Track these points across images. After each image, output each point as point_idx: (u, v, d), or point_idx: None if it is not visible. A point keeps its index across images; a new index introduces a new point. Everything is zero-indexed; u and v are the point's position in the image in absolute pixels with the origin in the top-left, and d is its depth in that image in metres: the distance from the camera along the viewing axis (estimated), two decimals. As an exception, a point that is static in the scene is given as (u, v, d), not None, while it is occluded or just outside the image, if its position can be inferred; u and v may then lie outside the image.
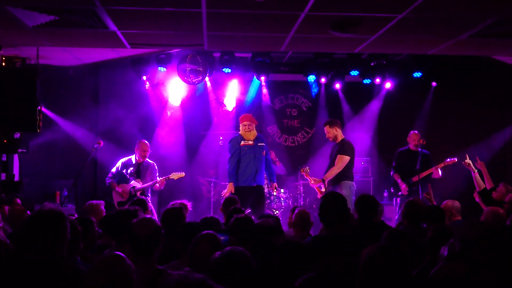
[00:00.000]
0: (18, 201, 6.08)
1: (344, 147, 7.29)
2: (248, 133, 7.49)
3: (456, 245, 3.01)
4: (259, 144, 7.52)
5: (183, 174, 7.96)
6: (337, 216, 3.91)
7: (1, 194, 6.53)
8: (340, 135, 7.48)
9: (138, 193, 7.70)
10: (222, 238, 3.85)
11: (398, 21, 5.72)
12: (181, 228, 4.01)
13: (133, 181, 7.81)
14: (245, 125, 7.54)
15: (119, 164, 7.91)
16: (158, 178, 7.90)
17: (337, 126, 7.49)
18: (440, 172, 7.80)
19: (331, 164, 7.37)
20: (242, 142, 7.46)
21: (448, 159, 7.80)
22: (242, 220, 4.28)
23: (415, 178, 7.78)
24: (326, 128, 7.53)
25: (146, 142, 7.99)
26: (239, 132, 7.58)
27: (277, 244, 3.31)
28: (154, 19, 5.75)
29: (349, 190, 7.16)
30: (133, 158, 7.91)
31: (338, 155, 7.23)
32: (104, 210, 5.59)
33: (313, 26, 5.93)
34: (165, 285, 1.98)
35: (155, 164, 8.04)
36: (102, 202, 5.67)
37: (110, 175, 7.91)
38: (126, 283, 2.62)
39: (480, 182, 6.69)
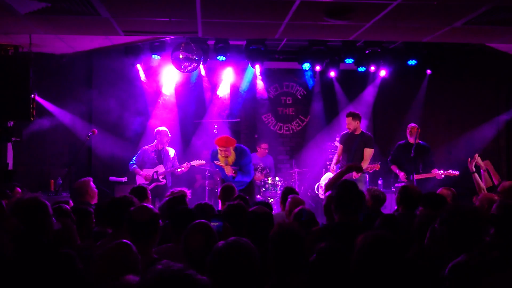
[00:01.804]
0: (19, 189, 6.09)
1: (370, 141, 7.90)
2: (224, 159, 7.20)
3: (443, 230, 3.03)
4: (233, 167, 7.26)
5: (203, 162, 8.60)
6: (352, 205, 3.91)
7: None
8: (359, 128, 7.95)
9: (160, 177, 8.30)
10: (216, 224, 3.86)
11: (393, 8, 5.70)
12: (176, 214, 4.01)
13: (157, 166, 8.32)
14: (220, 151, 7.21)
15: (140, 151, 8.44)
16: (178, 163, 8.48)
17: (359, 120, 7.95)
18: (443, 175, 7.95)
19: (355, 154, 7.81)
20: (216, 162, 7.33)
21: (451, 171, 7.91)
22: (236, 207, 4.30)
23: (417, 176, 7.95)
24: (349, 120, 7.94)
25: (165, 129, 8.42)
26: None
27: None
28: (148, 5, 5.70)
29: (365, 182, 7.84)
30: (153, 146, 8.39)
31: (366, 149, 7.80)
32: (94, 186, 5.72)
33: (308, 12, 5.90)
34: (146, 279, 1.95)
35: (170, 151, 8.47)
36: (90, 178, 5.76)
37: (132, 161, 8.38)
38: (132, 270, 2.62)
39: (488, 180, 6.67)
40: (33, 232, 3.17)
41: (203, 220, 3.32)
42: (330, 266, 2.58)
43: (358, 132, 7.93)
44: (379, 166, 7.85)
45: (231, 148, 7.20)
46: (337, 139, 8.95)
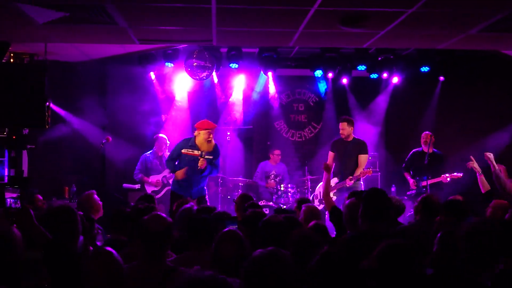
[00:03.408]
0: (40, 197, 6.12)
1: (365, 147, 7.80)
2: (208, 144, 6.92)
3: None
4: (207, 156, 6.90)
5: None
6: (382, 213, 3.88)
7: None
8: (352, 134, 7.84)
9: (170, 181, 8.32)
10: (231, 227, 3.90)
11: (408, 16, 5.69)
12: (192, 221, 4.00)
13: (163, 171, 8.61)
14: (209, 133, 6.93)
15: (142, 159, 8.69)
16: None
17: (353, 126, 7.87)
18: (448, 178, 8.00)
19: (348, 162, 7.72)
20: (185, 150, 6.96)
21: (455, 173, 8.00)
22: (256, 214, 4.31)
23: (423, 183, 8.02)
24: (344, 125, 7.82)
25: (164, 136, 8.75)
26: (195, 137, 7.01)
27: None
28: (164, 15, 5.74)
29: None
30: (153, 152, 8.71)
31: (362, 155, 7.70)
32: (98, 199, 5.62)
33: (323, 21, 5.91)
34: (177, 285, 1.97)
35: None
36: (94, 191, 5.69)
37: (136, 171, 8.66)
38: (115, 277, 2.63)
39: (485, 184, 6.64)
40: (62, 240, 3.19)
41: (232, 228, 3.33)
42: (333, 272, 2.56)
43: (350, 139, 7.82)
44: (371, 171, 7.67)
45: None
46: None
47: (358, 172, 7.56)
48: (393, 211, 4.35)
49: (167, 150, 8.72)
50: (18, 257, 2.71)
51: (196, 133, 7.05)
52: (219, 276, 1.95)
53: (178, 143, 7.22)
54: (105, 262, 2.65)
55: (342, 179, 7.67)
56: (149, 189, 8.56)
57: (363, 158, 7.69)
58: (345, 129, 7.78)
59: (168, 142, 8.74)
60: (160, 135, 8.79)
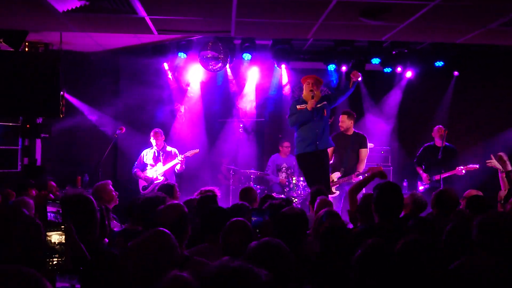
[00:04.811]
0: (53, 183, 6.12)
1: (365, 141, 7.81)
2: (310, 94, 6.95)
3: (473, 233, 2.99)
4: (318, 105, 7.01)
5: (197, 150, 8.45)
6: (394, 207, 3.88)
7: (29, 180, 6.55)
8: (352, 128, 7.85)
9: (160, 175, 8.25)
10: (256, 219, 3.92)
11: (430, 9, 5.64)
12: (210, 212, 3.99)
13: (157, 164, 8.32)
14: (308, 84, 7.04)
15: (141, 154, 8.42)
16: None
17: (353, 120, 7.88)
18: (464, 171, 8.00)
19: (350, 155, 7.69)
20: (299, 106, 7.07)
21: (471, 165, 8.00)
22: (278, 206, 4.32)
23: (436, 177, 7.97)
24: (344, 117, 7.84)
25: (157, 130, 8.42)
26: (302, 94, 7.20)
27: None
28: (184, 4, 5.71)
29: None
30: (152, 147, 8.40)
31: (363, 149, 7.73)
32: (113, 189, 5.59)
33: (343, 13, 5.86)
34: (206, 273, 1.96)
35: (173, 151, 8.42)
36: (109, 181, 5.66)
37: (134, 165, 8.43)
38: (169, 258, 2.63)
39: (506, 182, 6.54)
40: (83, 228, 3.16)
41: (240, 218, 3.34)
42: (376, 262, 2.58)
43: (350, 132, 7.82)
44: (381, 168, 7.58)
45: (319, 86, 7.16)
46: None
47: (360, 167, 7.60)
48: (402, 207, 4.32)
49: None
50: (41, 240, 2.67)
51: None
52: (248, 265, 1.96)
53: (291, 107, 7.25)
54: (161, 243, 2.64)
55: (344, 173, 7.65)
56: (141, 185, 8.38)
57: (364, 153, 7.73)
58: (344, 121, 7.80)
59: (162, 136, 8.46)
60: (155, 129, 8.48)
